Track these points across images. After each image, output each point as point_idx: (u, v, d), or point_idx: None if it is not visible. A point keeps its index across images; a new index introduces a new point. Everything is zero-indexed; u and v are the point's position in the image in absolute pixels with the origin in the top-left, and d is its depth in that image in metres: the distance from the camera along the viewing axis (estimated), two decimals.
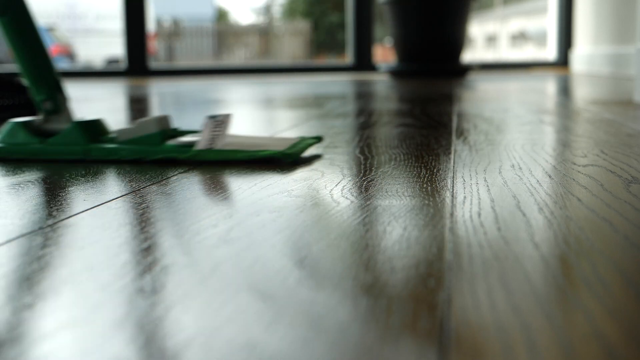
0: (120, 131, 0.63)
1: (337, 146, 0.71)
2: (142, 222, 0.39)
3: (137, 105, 1.39)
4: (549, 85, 1.90)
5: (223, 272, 0.29)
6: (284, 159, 0.59)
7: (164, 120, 0.64)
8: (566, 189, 0.46)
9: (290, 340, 0.22)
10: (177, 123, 0.98)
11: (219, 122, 0.61)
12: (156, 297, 0.27)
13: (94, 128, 0.65)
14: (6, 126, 0.65)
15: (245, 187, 0.49)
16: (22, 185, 0.51)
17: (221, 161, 0.60)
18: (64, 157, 0.63)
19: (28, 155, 0.63)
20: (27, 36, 0.65)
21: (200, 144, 0.60)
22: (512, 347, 0.22)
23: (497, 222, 0.38)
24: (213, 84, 2.29)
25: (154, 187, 0.49)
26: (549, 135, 0.77)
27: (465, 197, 0.44)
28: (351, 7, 3.11)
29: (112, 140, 0.64)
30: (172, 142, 0.63)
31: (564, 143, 0.71)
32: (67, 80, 2.90)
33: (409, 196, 0.45)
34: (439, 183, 0.49)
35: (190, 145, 0.62)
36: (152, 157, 0.61)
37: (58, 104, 0.67)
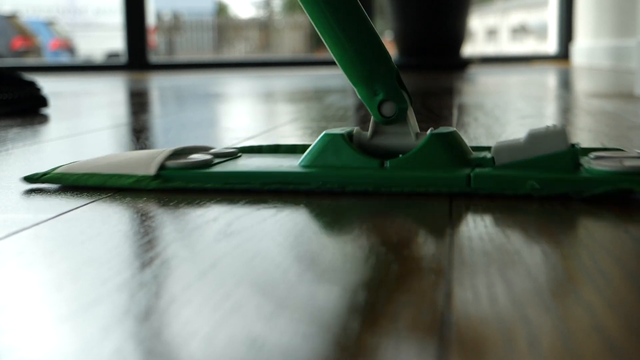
0: (500, 148, 0.43)
1: None
2: (143, 216, 0.39)
3: (138, 99, 1.38)
4: (550, 79, 1.90)
5: (223, 265, 0.29)
6: None
7: (564, 132, 0.42)
8: None
9: (291, 335, 0.22)
10: (178, 117, 0.98)
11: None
12: (157, 291, 0.27)
13: (454, 144, 0.44)
14: (320, 141, 0.45)
15: None
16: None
17: None
18: (422, 190, 0.42)
19: (365, 185, 0.43)
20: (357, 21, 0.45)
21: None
22: (513, 340, 0.22)
23: (497, 215, 0.38)
24: (213, 78, 2.29)
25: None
26: None
27: None
28: None
29: (489, 163, 0.43)
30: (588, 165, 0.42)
31: None
32: (67, 74, 2.90)
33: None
34: None
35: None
36: (589, 192, 0.39)
37: (401, 107, 0.46)
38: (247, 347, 0.21)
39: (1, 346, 0.22)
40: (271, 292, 0.26)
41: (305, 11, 0.45)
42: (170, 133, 0.79)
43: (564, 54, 3.21)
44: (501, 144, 0.43)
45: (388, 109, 0.45)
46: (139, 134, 0.79)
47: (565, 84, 1.68)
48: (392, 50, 2.84)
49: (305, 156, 0.46)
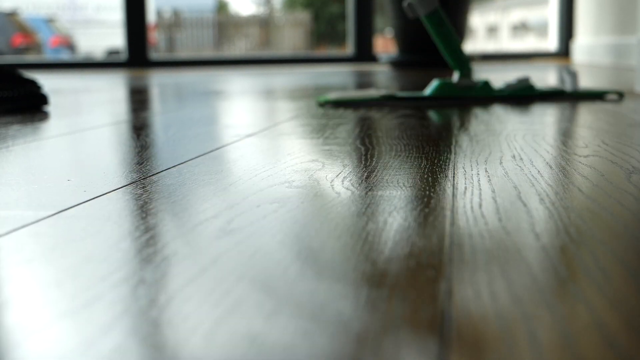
0: (507, 85, 1.12)
1: (338, 137, 0.71)
2: (143, 213, 0.39)
3: (138, 96, 1.38)
4: (550, 76, 1.90)
5: (224, 262, 0.29)
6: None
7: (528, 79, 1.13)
8: (567, 179, 0.46)
9: (292, 331, 0.22)
10: (179, 115, 0.98)
11: (574, 74, 1.16)
12: (157, 287, 0.27)
13: (491, 84, 1.12)
14: (436, 84, 1.11)
15: (246, 177, 0.49)
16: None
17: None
18: (482, 97, 1.11)
19: (471, 97, 1.11)
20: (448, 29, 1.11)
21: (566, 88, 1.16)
22: (513, 337, 0.22)
23: (498, 212, 0.38)
24: (213, 75, 2.29)
25: (154, 178, 0.49)
26: (549, 126, 0.77)
27: (466, 188, 0.44)
28: None
29: (503, 91, 1.12)
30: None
31: (565, 133, 0.71)
32: (67, 71, 2.90)
33: (409, 187, 0.45)
34: (439, 174, 0.49)
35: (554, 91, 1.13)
36: (528, 93, 1.12)
37: (469, 71, 1.11)
38: (248, 343, 0.21)
39: (2, 342, 0.22)
40: (271, 289, 0.26)
41: (430, 29, 1.13)
42: (170, 130, 0.79)
43: (564, 51, 3.21)
44: (509, 83, 1.13)
45: (467, 70, 1.12)
46: (139, 131, 0.79)
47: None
48: (392, 47, 2.84)
49: (431, 90, 1.11)
